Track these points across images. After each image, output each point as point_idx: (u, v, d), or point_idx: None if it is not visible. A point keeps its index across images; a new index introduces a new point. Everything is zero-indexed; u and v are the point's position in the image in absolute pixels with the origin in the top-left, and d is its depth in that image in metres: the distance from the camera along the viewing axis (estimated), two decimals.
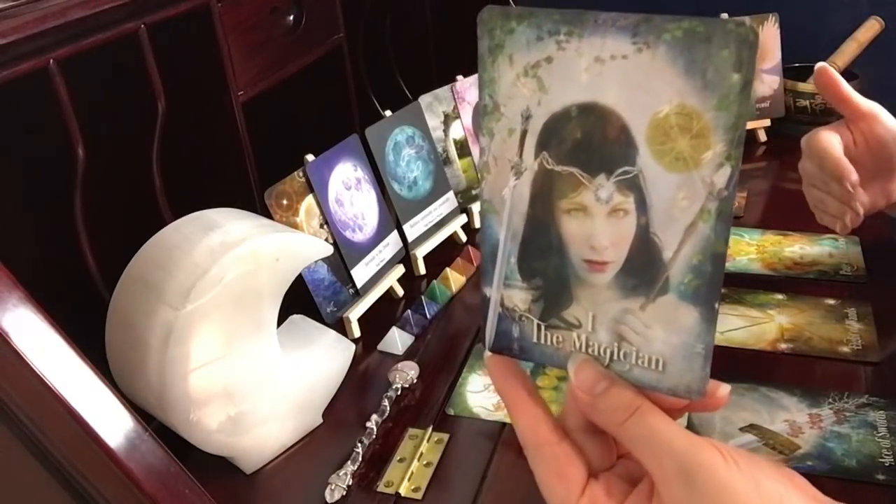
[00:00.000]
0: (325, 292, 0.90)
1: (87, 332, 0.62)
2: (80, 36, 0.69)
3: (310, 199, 0.91)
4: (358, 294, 0.94)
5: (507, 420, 0.77)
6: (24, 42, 0.63)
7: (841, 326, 0.86)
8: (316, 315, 0.87)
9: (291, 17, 0.96)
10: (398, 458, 0.74)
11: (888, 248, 1.00)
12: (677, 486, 0.34)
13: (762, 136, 1.32)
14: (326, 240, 0.90)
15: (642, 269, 0.35)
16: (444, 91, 1.12)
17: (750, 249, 1.02)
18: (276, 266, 0.72)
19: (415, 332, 0.92)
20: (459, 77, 1.14)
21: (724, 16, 1.27)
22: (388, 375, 0.84)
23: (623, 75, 0.33)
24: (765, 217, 1.11)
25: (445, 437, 0.76)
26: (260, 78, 0.90)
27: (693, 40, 0.31)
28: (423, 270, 1.03)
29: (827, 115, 1.26)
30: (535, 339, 0.39)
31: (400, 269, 1.00)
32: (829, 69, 0.85)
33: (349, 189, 0.95)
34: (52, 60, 0.66)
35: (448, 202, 1.09)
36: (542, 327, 0.39)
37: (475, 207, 1.13)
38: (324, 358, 0.81)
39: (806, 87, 1.29)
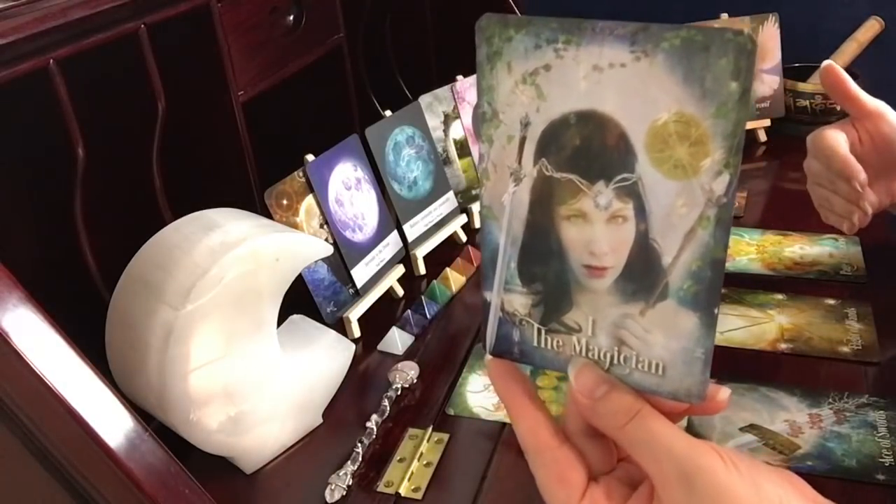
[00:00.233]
0: (325, 292, 0.90)
1: (87, 332, 0.62)
2: (80, 36, 0.69)
3: (310, 199, 0.91)
4: (358, 294, 0.94)
5: (507, 420, 0.77)
6: (24, 42, 0.63)
7: (841, 326, 0.86)
8: (316, 315, 0.87)
9: (291, 17, 0.96)
10: (398, 458, 0.74)
11: (888, 248, 1.00)
12: (677, 490, 0.35)
13: (762, 136, 1.32)
14: (326, 240, 0.90)
15: (642, 274, 0.35)
16: (444, 91, 1.12)
17: (750, 249, 1.02)
18: (276, 266, 0.72)
19: (415, 332, 0.92)
20: (459, 77, 1.14)
21: (724, 16, 1.27)
22: (388, 375, 0.84)
23: (621, 83, 0.33)
24: (765, 217, 1.11)
25: (445, 437, 0.77)
26: (260, 78, 0.90)
27: (691, 49, 0.31)
28: (423, 270, 1.03)
29: (827, 114, 1.26)
30: (535, 343, 0.39)
31: (400, 269, 1.00)
32: (836, 67, 0.84)
33: (349, 189, 0.95)
34: (52, 60, 0.66)
35: (448, 202, 1.09)
36: (543, 331, 0.39)
37: (475, 207, 1.13)
38: (324, 358, 0.81)
39: (806, 87, 1.29)
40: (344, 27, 1.07)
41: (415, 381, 0.84)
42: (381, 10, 1.26)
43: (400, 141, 1.04)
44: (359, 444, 0.75)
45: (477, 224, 1.14)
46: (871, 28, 1.24)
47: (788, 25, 1.30)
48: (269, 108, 0.94)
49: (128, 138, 0.81)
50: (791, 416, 0.75)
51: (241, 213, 0.75)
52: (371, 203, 0.99)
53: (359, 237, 0.95)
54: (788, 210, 1.11)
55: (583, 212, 0.36)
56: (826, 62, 0.86)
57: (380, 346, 0.91)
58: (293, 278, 0.75)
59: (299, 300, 0.84)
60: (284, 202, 0.88)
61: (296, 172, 0.90)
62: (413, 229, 1.03)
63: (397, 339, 0.91)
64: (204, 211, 0.74)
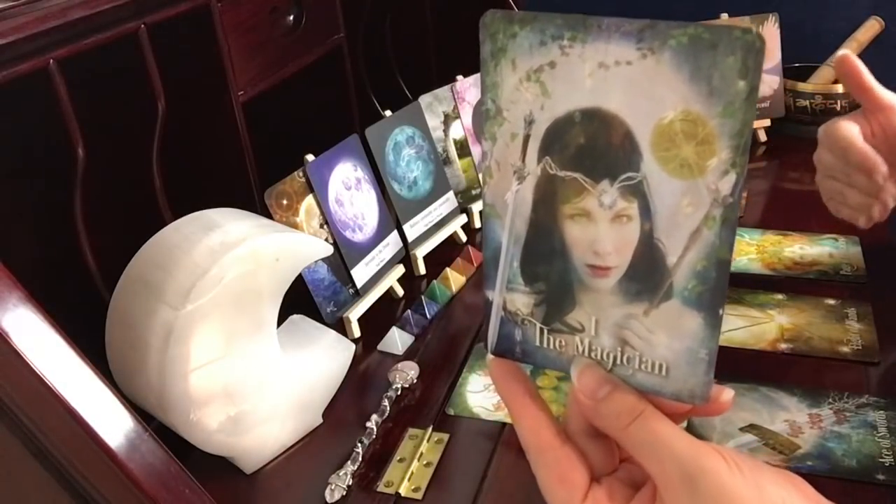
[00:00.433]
0: (325, 292, 0.90)
1: (87, 332, 0.62)
2: (80, 36, 0.68)
3: (310, 199, 0.91)
4: (358, 294, 0.94)
5: (508, 420, 0.77)
6: (24, 42, 0.63)
7: (841, 326, 0.86)
8: (316, 315, 0.87)
9: (291, 17, 0.96)
10: (398, 458, 0.74)
11: (888, 248, 1.00)
12: (680, 491, 0.34)
13: (762, 136, 1.32)
14: (326, 240, 0.90)
15: (646, 274, 0.35)
16: (444, 91, 1.12)
17: (750, 249, 1.02)
18: (276, 266, 0.72)
19: (415, 332, 0.92)
20: (459, 77, 1.14)
21: (725, 16, 1.27)
22: (388, 375, 0.84)
23: (627, 81, 0.33)
24: (765, 217, 1.11)
25: (445, 437, 0.77)
26: (260, 78, 0.90)
27: (699, 47, 0.31)
28: (423, 270, 1.03)
29: (827, 114, 1.26)
30: (537, 343, 0.39)
31: (400, 269, 1.00)
32: (852, 56, 0.84)
33: (349, 189, 0.95)
34: (52, 60, 0.66)
35: (448, 202, 1.09)
36: (545, 331, 0.39)
37: (475, 207, 1.13)
38: (324, 358, 0.81)
39: (806, 86, 1.29)
40: (344, 27, 1.07)
41: (415, 381, 0.84)
42: (381, 10, 1.26)
43: (400, 141, 1.04)
44: (359, 444, 0.75)
45: (477, 224, 1.14)
46: (871, 28, 1.24)
47: (788, 25, 1.30)
48: (269, 108, 0.94)
49: (128, 138, 0.80)
50: (791, 416, 0.75)
51: (241, 213, 0.75)
52: (371, 203, 0.98)
53: (359, 237, 0.95)
54: (788, 210, 1.11)
55: (587, 211, 0.35)
56: (841, 51, 0.85)
57: (380, 346, 0.91)
58: (293, 278, 0.75)
59: (299, 300, 0.84)
60: (284, 202, 0.88)
61: (296, 172, 0.90)
62: (413, 229, 1.03)
63: (397, 339, 0.90)
64: (204, 211, 0.74)
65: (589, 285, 0.37)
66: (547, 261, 0.37)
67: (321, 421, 0.80)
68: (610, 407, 0.37)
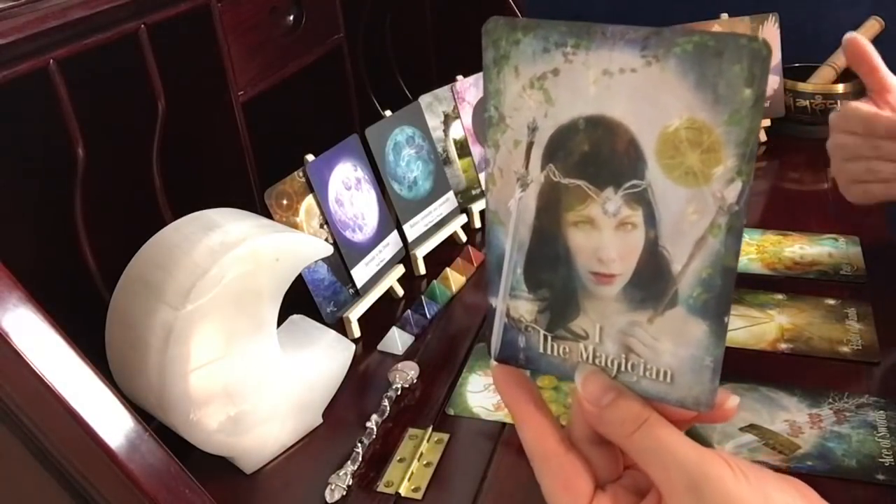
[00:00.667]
0: (325, 292, 0.90)
1: (87, 332, 0.62)
2: (80, 36, 0.68)
3: (310, 199, 0.91)
4: (358, 294, 0.94)
5: (508, 420, 0.77)
6: (24, 42, 0.63)
7: (841, 326, 0.86)
8: (316, 315, 0.87)
9: (291, 17, 0.96)
10: (398, 458, 0.74)
11: (888, 248, 1.00)
12: (685, 499, 0.34)
13: (762, 136, 1.32)
14: (326, 240, 0.90)
15: (651, 281, 0.35)
16: (444, 91, 1.12)
17: (750, 249, 1.02)
18: (276, 266, 0.72)
19: (415, 332, 0.92)
20: (459, 77, 1.13)
21: (724, 16, 1.27)
22: (388, 375, 0.84)
23: (632, 89, 0.33)
24: (765, 217, 1.11)
25: (445, 437, 0.77)
26: (260, 78, 0.90)
27: (704, 55, 0.31)
28: (423, 270, 1.03)
29: (827, 114, 1.25)
30: (541, 350, 0.39)
31: (400, 269, 1.00)
32: (859, 38, 0.83)
33: (349, 189, 0.95)
34: (52, 60, 0.66)
35: (448, 202, 1.09)
36: (549, 338, 0.39)
37: (475, 207, 1.13)
38: (324, 358, 0.81)
39: (806, 86, 1.29)
40: (344, 27, 1.07)
41: (415, 381, 0.84)
42: (381, 10, 1.26)
43: (400, 141, 1.04)
44: (359, 444, 0.75)
45: (477, 224, 1.14)
46: (871, 28, 1.24)
47: (788, 25, 1.29)
48: (269, 108, 0.93)
49: (128, 138, 0.80)
50: (791, 416, 0.75)
51: (241, 213, 0.75)
52: (371, 203, 0.98)
53: (359, 237, 0.95)
54: (788, 210, 1.11)
55: (591, 218, 0.35)
56: (849, 34, 0.84)
57: (380, 346, 0.90)
58: (293, 278, 0.75)
59: (299, 300, 0.84)
60: (284, 202, 0.88)
61: (296, 172, 0.90)
62: (413, 229, 1.03)
63: (397, 339, 0.90)
64: (204, 211, 0.74)
65: (593, 292, 0.37)
66: (551, 268, 0.37)
67: (321, 421, 0.80)
68: (614, 414, 0.36)
